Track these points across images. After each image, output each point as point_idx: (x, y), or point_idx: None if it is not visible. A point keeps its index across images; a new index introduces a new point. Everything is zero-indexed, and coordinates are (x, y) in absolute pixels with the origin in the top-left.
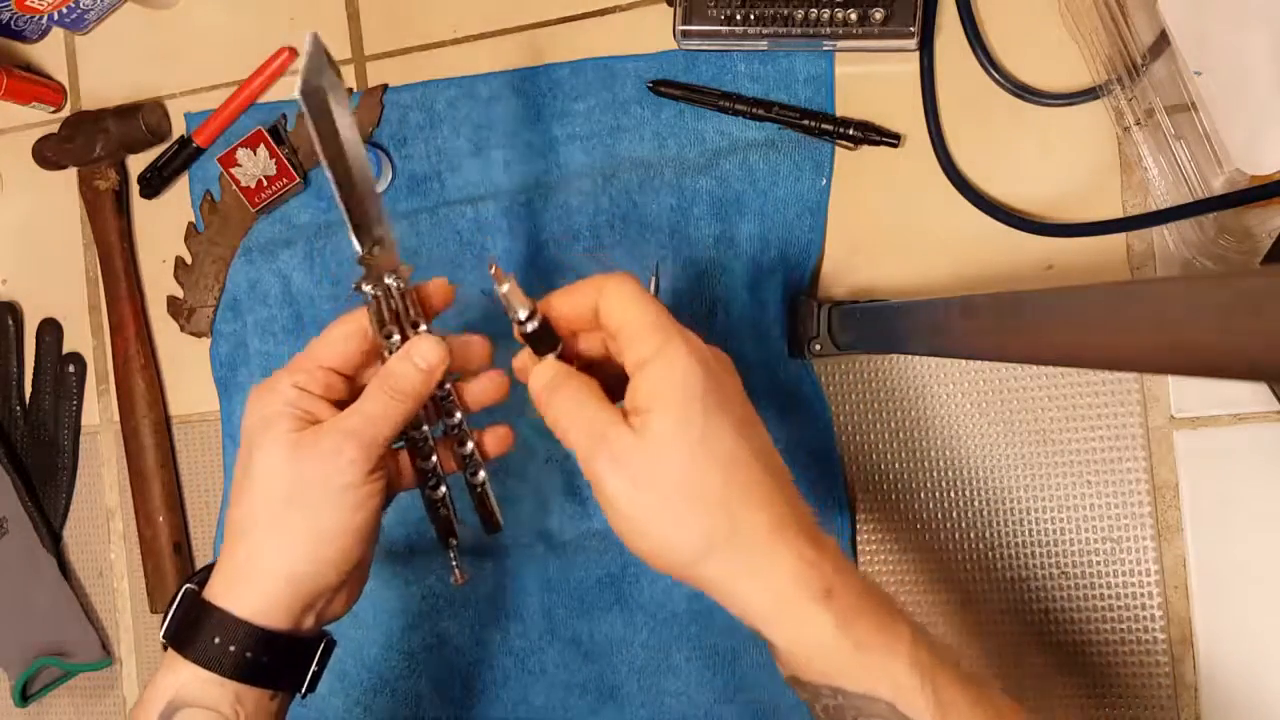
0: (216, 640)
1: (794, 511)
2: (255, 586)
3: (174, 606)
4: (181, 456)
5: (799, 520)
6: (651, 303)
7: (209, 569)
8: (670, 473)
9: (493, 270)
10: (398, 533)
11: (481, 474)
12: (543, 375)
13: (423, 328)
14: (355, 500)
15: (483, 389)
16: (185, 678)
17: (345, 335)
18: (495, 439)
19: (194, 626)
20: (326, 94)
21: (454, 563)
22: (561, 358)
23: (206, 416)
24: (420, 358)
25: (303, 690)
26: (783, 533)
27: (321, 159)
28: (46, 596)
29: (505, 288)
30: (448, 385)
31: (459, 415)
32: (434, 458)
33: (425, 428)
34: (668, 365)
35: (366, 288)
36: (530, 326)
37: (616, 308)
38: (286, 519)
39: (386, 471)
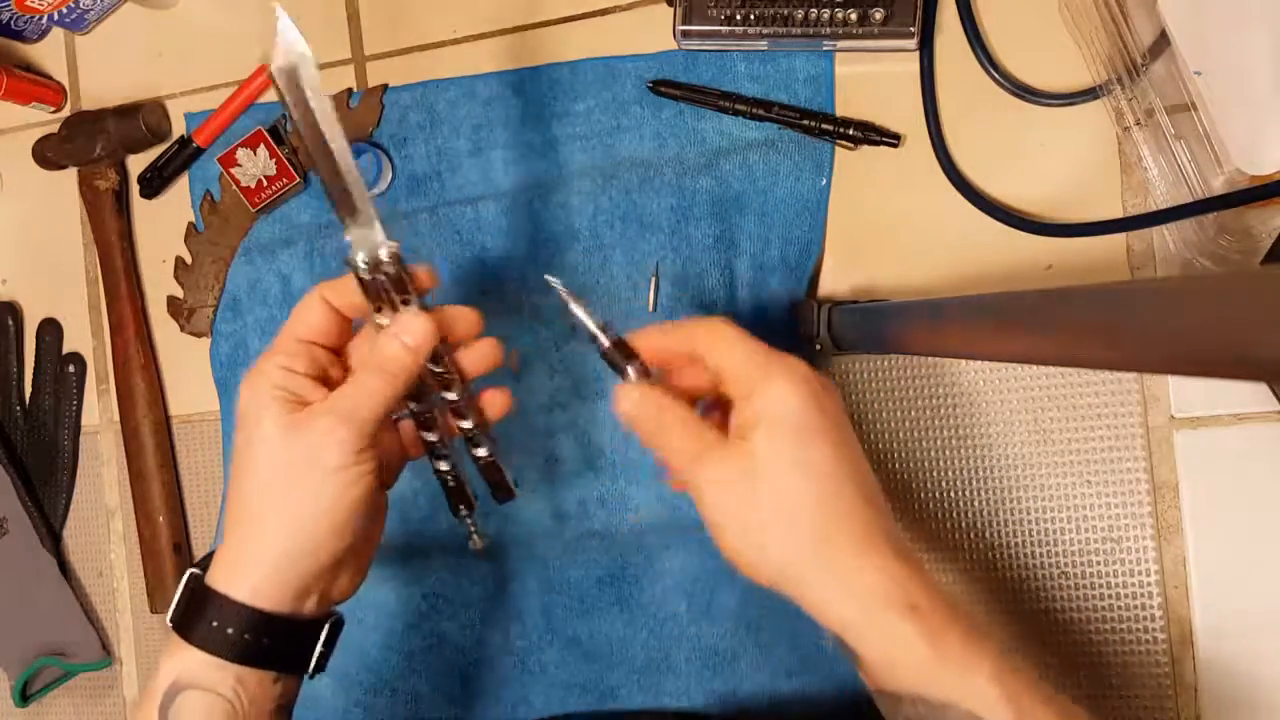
0: (215, 624)
1: (884, 529)
2: (252, 570)
3: (179, 592)
4: (181, 456)
5: (889, 537)
6: (752, 342)
7: (213, 555)
8: (769, 490)
9: (560, 289)
10: (398, 533)
11: (482, 449)
12: (631, 395)
13: (413, 304)
14: (347, 479)
15: (477, 358)
16: (187, 661)
17: (311, 305)
18: (493, 403)
19: (196, 611)
20: (299, 67)
21: (472, 529)
22: (642, 371)
23: (206, 416)
24: (408, 335)
25: (310, 671)
26: (872, 549)
27: (296, 122)
28: (46, 596)
29: (574, 307)
30: (445, 359)
31: (456, 391)
32: (435, 432)
33: (426, 400)
34: (773, 393)
35: (356, 259)
36: (605, 342)
37: (718, 353)
38: (280, 502)
39: (381, 448)
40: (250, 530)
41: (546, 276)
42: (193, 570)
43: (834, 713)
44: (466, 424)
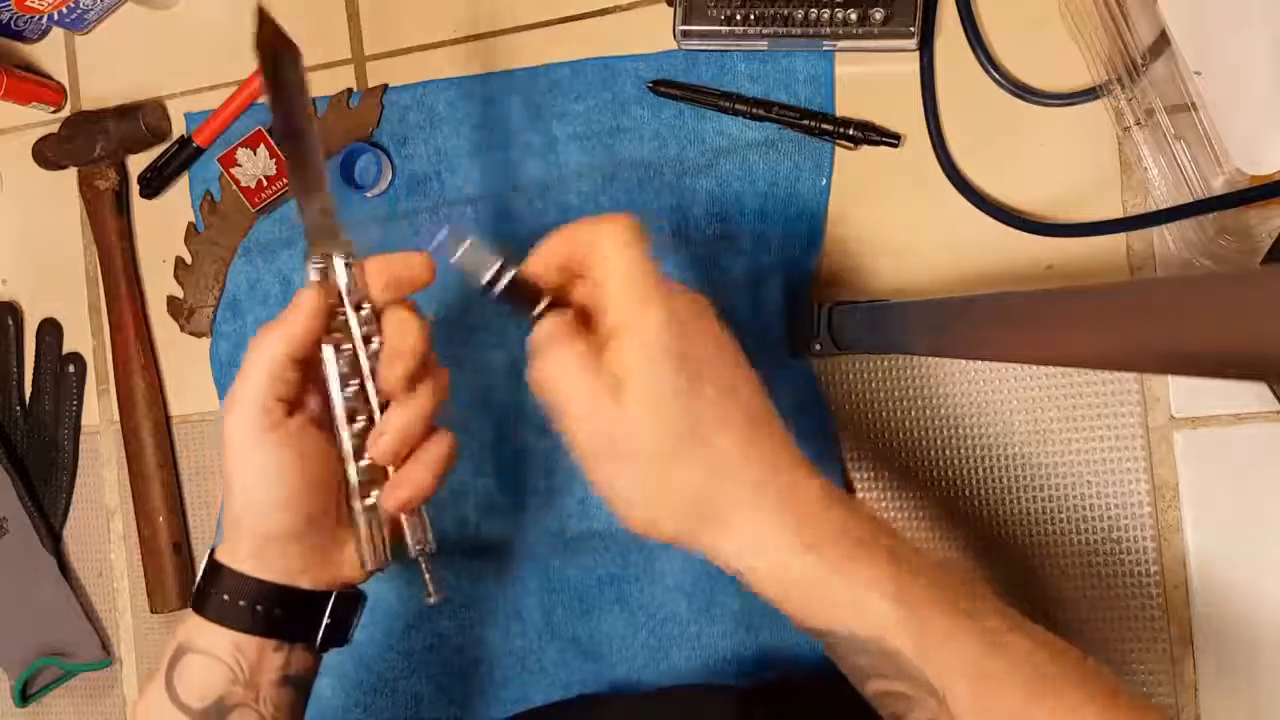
0: (213, 590)
1: (774, 464)
2: (238, 539)
3: (204, 564)
4: (181, 456)
5: (779, 472)
6: (637, 259)
7: None
8: (646, 445)
9: (440, 242)
10: None
11: (371, 497)
12: (537, 335)
13: (365, 308)
14: (278, 439)
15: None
16: (191, 626)
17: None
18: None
19: (205, 580)
20: (282, 53)
21: (427, 576)
22: (554, 306)
23: (206, 416)
24: (299, 298)
25: (318, 643)
26: (763, 490)
27: (272, 113)
28: (46, 596)
29: (460, 252)
30: (362, 362)
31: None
32: (364, 460)
33: (355, 425)
34: (641, 336)
35: (314, 264)
36: (499, 287)
37: (602, 257)
38: (237, 475)
39: (304, 419)
40: (230, 502)
41: (436, 227)
42: (213, 545)
43: (835, 712)
44: (363, 463)
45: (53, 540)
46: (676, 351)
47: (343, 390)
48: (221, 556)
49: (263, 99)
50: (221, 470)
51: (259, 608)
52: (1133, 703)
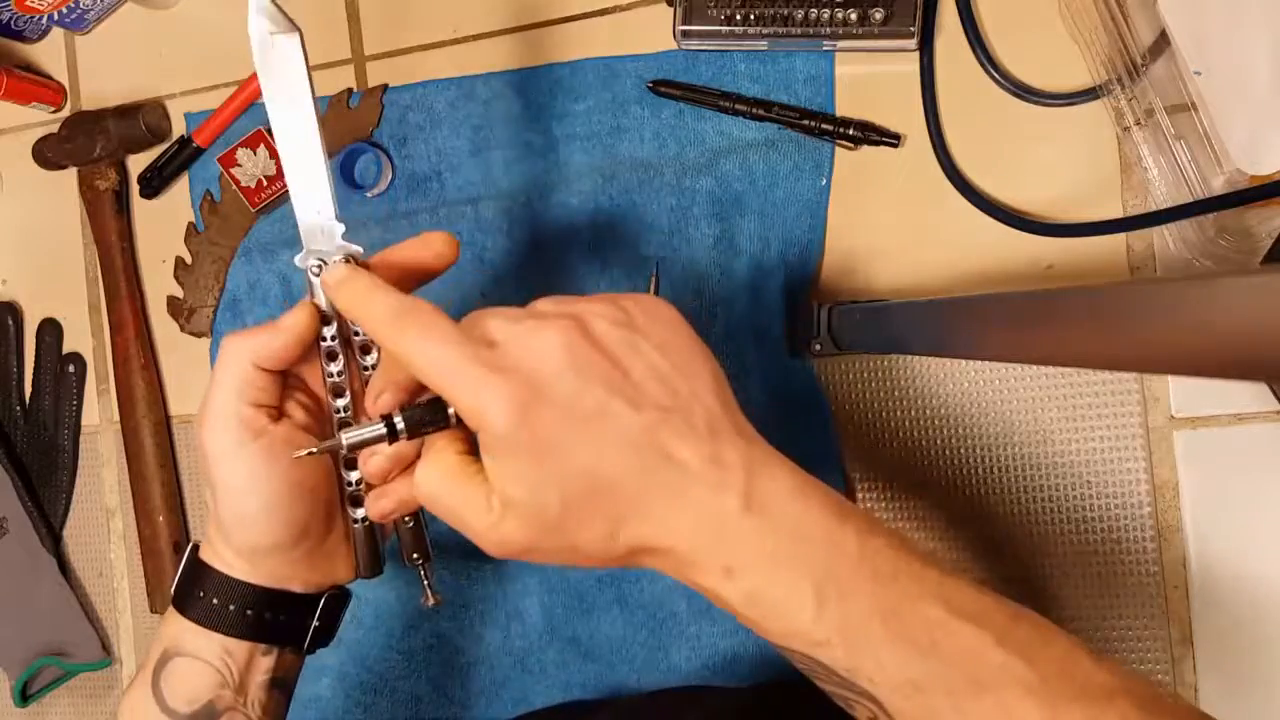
0: (201, 594)
1: (677, 487)
2: (225, 546)
3: (183, 560)
4: (181, 456)
5: (685, 490)
6: (434, 348)
7: None
8: (536, 540)
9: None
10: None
11: (361, 510)
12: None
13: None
14: (263, 448)
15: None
16: (177, 628)
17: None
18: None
19: (188, 580)
20: (283, 40)
21: (426, 582)
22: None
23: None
24: (289, 319)
25: (306, 645)
26: (665, 521)
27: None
28: (46, 596)
29: (347, 442)
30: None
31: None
32: (356, 471)
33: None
34: (484, 437)
35: (308, 264)
36: (404, 436)
37: (415, 369)
38: (223, 485)
39: (291, 425)
40: (216, 503)
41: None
42: (196, 541)
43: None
44: (356, 474)
45: (53, 540)
46: (522, 441)
47: (336, 400)
48: (208, 557)
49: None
50: (205, 477)
51: (249, 612)
52: (1086, 688)
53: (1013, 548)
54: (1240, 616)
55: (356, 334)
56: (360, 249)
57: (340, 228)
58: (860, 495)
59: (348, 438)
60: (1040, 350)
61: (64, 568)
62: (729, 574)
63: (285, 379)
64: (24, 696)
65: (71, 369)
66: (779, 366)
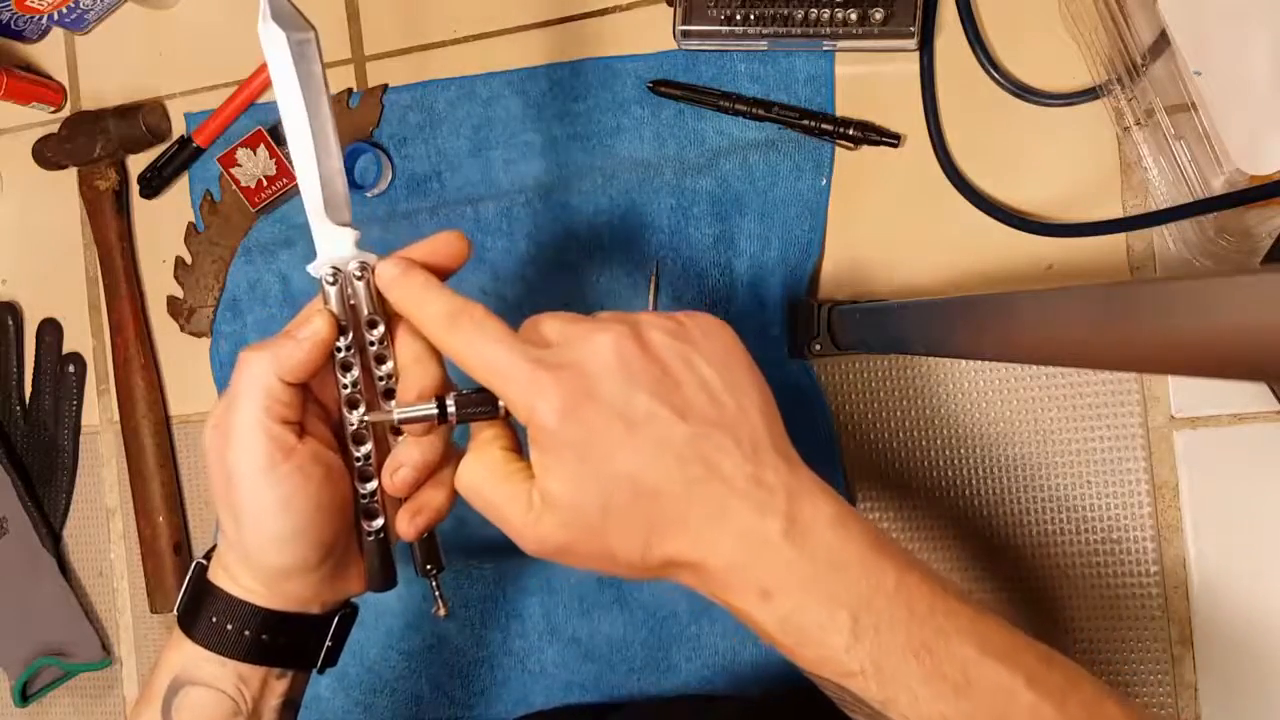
0: (215, 619)
1: (720, 506)
2: (242, 570)
3: (185, 583)
4: (181, 456)
5: (726, 513)
6: (487, 347)
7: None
8: (577, 543)
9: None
10: None
11: (378, 521)
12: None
13: (379, 328)
14: (293, 470)
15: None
16: (188, 655)
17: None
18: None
19: (197, 604)
20: (296, 39)
21: (436, 592)
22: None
23: (206, 417)
24: (307, 329)
25: (318, 666)
26: (703, 537)
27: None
28: (46, 596)
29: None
30: (360, 413)
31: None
32: (372, 482)
33: (363, 447)
34: (535, 434)
35: (323, 272)
36: (453, 417)
37: (470, 367)
38: (247, 508)
39: (315, 441)
40: (231, 526)
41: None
42: (199, 561)
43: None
44: (371, 485)
45: (53, 540)
46: (570, 437)
47: (351, 412)
48: (220, 581)
49: (268, 91)
50: (222, 500)
51: (264, 637)
52: None
53: (1012, 547)
54: (1240, 616)
55: (371, 344)
56: (375, 256)
57: (355, 234)
58: (860, 495)
59: (400, 413)
60: (1040, 350)
61: (64, 568)
62: (765, 597)
63: (306, 391)
64: (24, 696)
65: (71, 369)
66: (779, 366)
